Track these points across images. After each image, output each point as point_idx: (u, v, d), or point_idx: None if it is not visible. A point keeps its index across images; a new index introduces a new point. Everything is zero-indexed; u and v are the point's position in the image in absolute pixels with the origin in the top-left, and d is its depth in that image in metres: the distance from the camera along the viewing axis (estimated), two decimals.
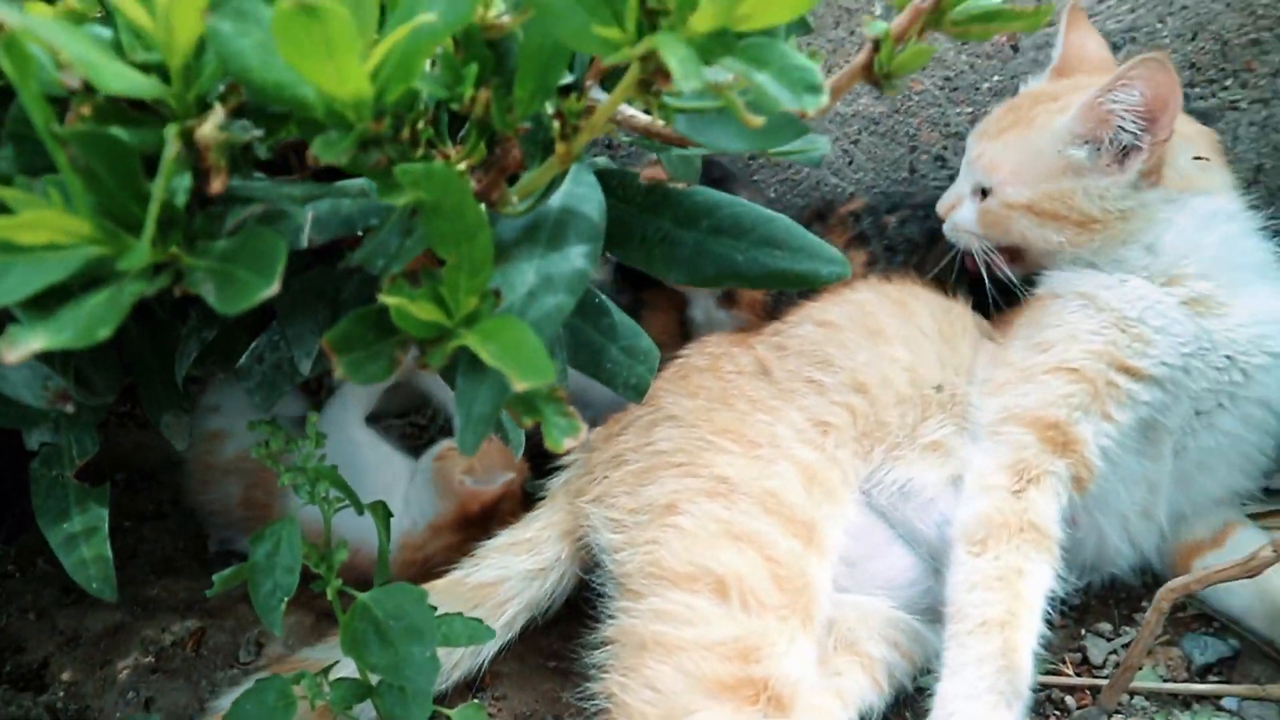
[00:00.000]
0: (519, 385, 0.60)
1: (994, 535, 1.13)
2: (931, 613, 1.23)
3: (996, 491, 1.17)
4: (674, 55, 0.53)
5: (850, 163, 1.61)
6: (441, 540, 1.34)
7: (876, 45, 0.69)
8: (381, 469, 1.40)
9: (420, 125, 0.67)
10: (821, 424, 1.22)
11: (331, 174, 0.74)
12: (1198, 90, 1.54)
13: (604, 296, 0.96)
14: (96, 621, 1.33)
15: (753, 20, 0.59)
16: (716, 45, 0.59)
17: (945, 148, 1.60)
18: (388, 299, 0.65)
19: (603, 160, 1.00)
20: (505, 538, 1.25)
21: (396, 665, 0.89)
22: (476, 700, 1.19)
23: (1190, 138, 1.32)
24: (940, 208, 1.40)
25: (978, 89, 1.56)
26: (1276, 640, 1.24)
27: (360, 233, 0.80)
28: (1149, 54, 1.17)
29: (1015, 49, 1.55)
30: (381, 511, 0.98)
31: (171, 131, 0.55)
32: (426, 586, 1.16)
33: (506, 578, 1.21)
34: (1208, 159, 1.31)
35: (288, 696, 0.94)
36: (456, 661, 1.16)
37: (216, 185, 0.61)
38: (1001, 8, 0.70)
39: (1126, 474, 1.25)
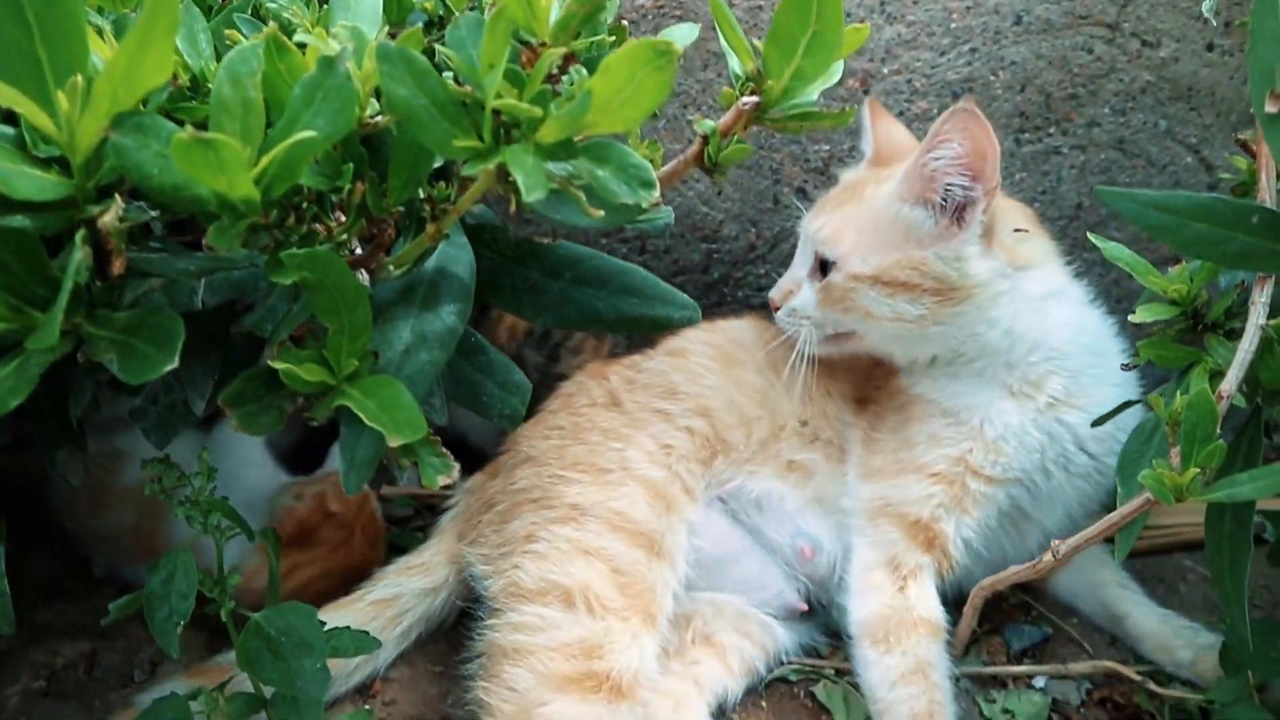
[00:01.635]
0: (393, 441, 0.69)
1: (893, 633, 1.24)
2: (784, 611, 1.39)
3: (883, 590, 1.29)
4: (520, 170, 0.63)
5: (719, 193, 1.74)
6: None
7: (706, 140, 0.81)
8: (243, 468, 1.47)
9: (305, 206, 0.76)
10: (666, 446, 1.35)
11: None
12: (1026, 136, 1.72)
13: (480, 336, 1.05)
14: None
15: (595, 128, 0.70)
16: (562, 151, 0.69)
17: (806, 181, 1.74)
18: (277, 364, 0.73)
19: (480, 209, 1.09)
20: (401, 562, 1.39)
21: (289, 678, 0.97)
22: (367, 707, 1.27)
23: (1004, 211, 1.32)
24: (775, 295, 1.38)
25: (834, 130, 1.71)
26: (1095, 616, 1.44)
27: (250, 295, 0.88)
28: (958, 105, 1.18)
29: (866, 91, 1.70)
30: (272, 537, 1.06)
31: (79, 236, 0.62)
32: (329, 606, 1.29)
33: (402, 594, 1.34)
34: (1026, 229, 1.33)
35: (184, 713, 1.01)
36: (356, 666, 1.29)
37: (118, 266, 0.68)
38: (813, 110, 0.82)
39: (989, 548, 1.34)
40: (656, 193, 0.72)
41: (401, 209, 0.78)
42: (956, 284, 1.25)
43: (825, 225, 1.32)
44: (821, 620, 1.44)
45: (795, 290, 1.35)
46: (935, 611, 1.28)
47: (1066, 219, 1.76)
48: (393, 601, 1.32)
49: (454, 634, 1.43)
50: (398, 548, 1.48)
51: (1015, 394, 1.29)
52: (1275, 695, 1.18)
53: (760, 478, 1.40)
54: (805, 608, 1.40)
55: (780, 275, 1.45)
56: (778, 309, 1.36)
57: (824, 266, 1.31)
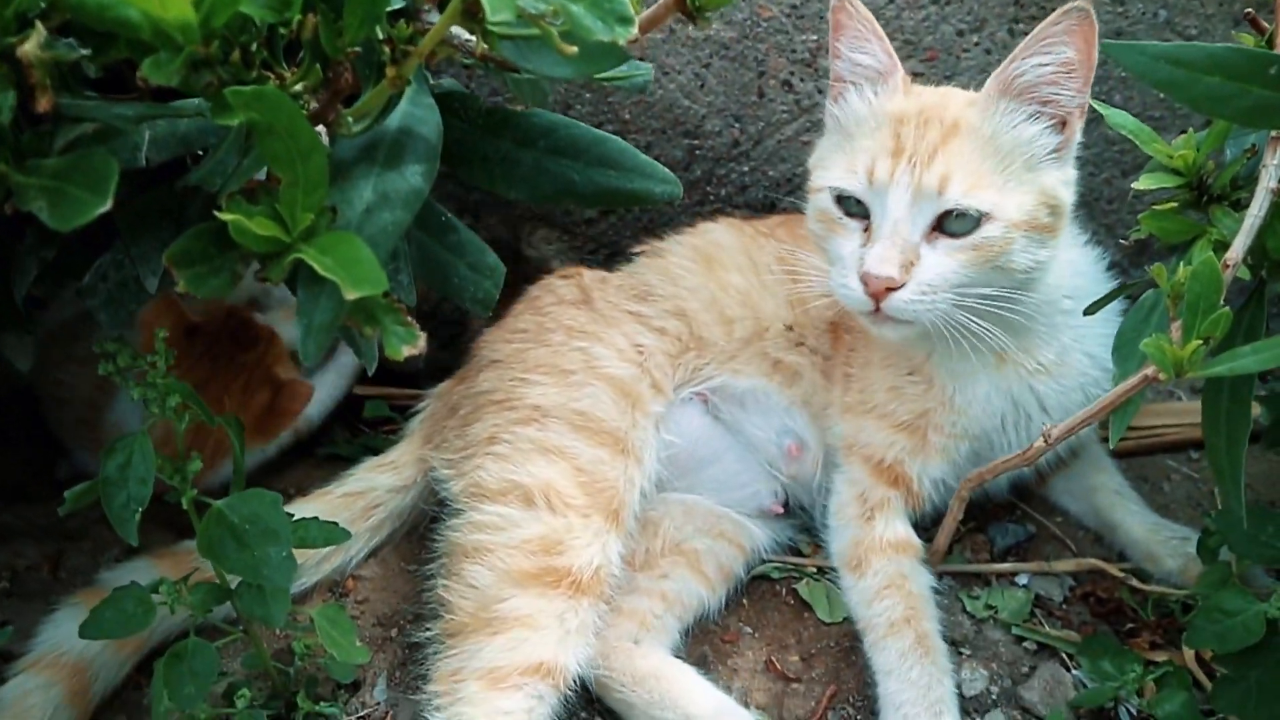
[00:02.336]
0: (350, 294, 0.64)
1: (865, 558, 1.26)
2: (758, 512, 1.38)
3: (853, 522, 1.30)
4: None
5: (702, 85, 1.67)
6: None
7: None
8: None
9: (254, 48, 0.70)
10: (638, 345, 1.32)
11: (170, 95, 0.76)
12: (1021, 26, 1.64)
13: (450, 214, 1.00)
14: None
15: None
16: None
17: (792, 73, 1.67)
18: (226, 216, 0.68)
19: (449, 82, 1.03)
20: (372, 461, 1.37)
21: (254, 566, 0.93)
22: (340, 604, 1.24)
23: None
24: (890, 271, 1.06)
25: (822, 17, 1.63)
26: (1084, 518, 1.43)
27: (200, 152, 0.82)
28: (1072, 4, 1.04)
29: None
30: (234, 422, 1.01)
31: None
32: (299, 500, 1.27)
33: (372, 488, 1.33)
34: None
35: (145, 603, 0.98)
36: (326, 556, 1.28)
37: (43, 104, 0.62)
38: None
39: (959, 478, 1.31)
40: (635, 30, 0.67)
41: (359, 50, 0.71)
42: (1063, 214, 1.12)
43: (950, 173, 1.07)
44: (801, 521, 1.43)
45: (916, 261, 1.08)
46: (903, 534, 1.29)
47: None
48: (363, 495, 1.31)
49: (429, 535, 1.40)
50: (372, 449, 1.45)
51: (1003, 363, 1.23)
52: (1256, 585, 1.17)
53: (745, 375, 1.37)
54: (781, 510, 1.39)
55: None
56: (894, 289, 1.07)
57: (948, 223, 1.09)
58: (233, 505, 0.95)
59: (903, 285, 1.07)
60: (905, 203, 1.09)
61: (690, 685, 1.16)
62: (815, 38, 1.65)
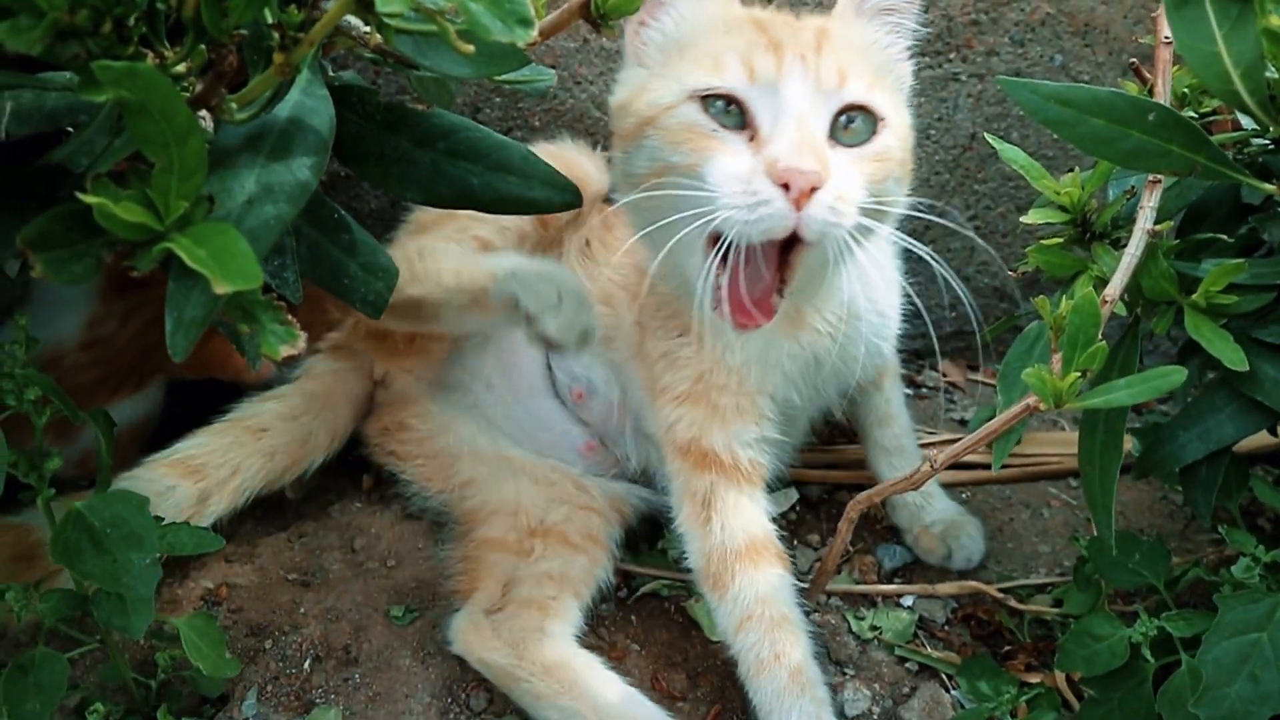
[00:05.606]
0: (222, 288, 0.61)
1: (717, 575, 1.17)
2: (577, 455, 1.44)
3: (694, 526, 1.21)
4: None
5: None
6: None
7: None
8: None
9: (132, 21, 0.66)
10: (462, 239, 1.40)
11: (39, 66, 0.71)
12: (926, 60, 1.70)
13: (343, 212, 0.96)
14: None
15: None
16: None
17: None
18: (89, 199, 0.64)
19: (351, 75, 1.00)
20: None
21: (114, 574, 0.88)
22: (210, 614, 1.19)
23: None
24: (811, 164, 0.87)
25: None
26: (918, 553, 1.44)
27: (70, 129, 0.78)
28: None
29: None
30: (102, 420, 0.96)
31: None
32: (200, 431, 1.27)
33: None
34: None
35: None
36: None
37: None
38: None
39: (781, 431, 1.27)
40: (535, 32, 0.65)
41: (245, 34, 0.68)
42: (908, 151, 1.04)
43: (846, 67, 0.94)
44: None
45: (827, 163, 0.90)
46: (749, 533, 1.19)
47: (961, 147, 1.75)
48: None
49: (312, 542, 1.35)
50: None
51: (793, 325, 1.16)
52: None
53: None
54: (593, 446, 1.43)
55: None
56: (813, 190, 0.87)
57: (841, 133, 0.95)
58: (94, 507, 0.89)
59: (814, 188, 0.87)
60: (805, 95, 0.92)
61: (598, 675, 1.15)
62: None
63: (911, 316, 1.86)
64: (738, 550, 1.18)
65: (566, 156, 1.37)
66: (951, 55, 1.70)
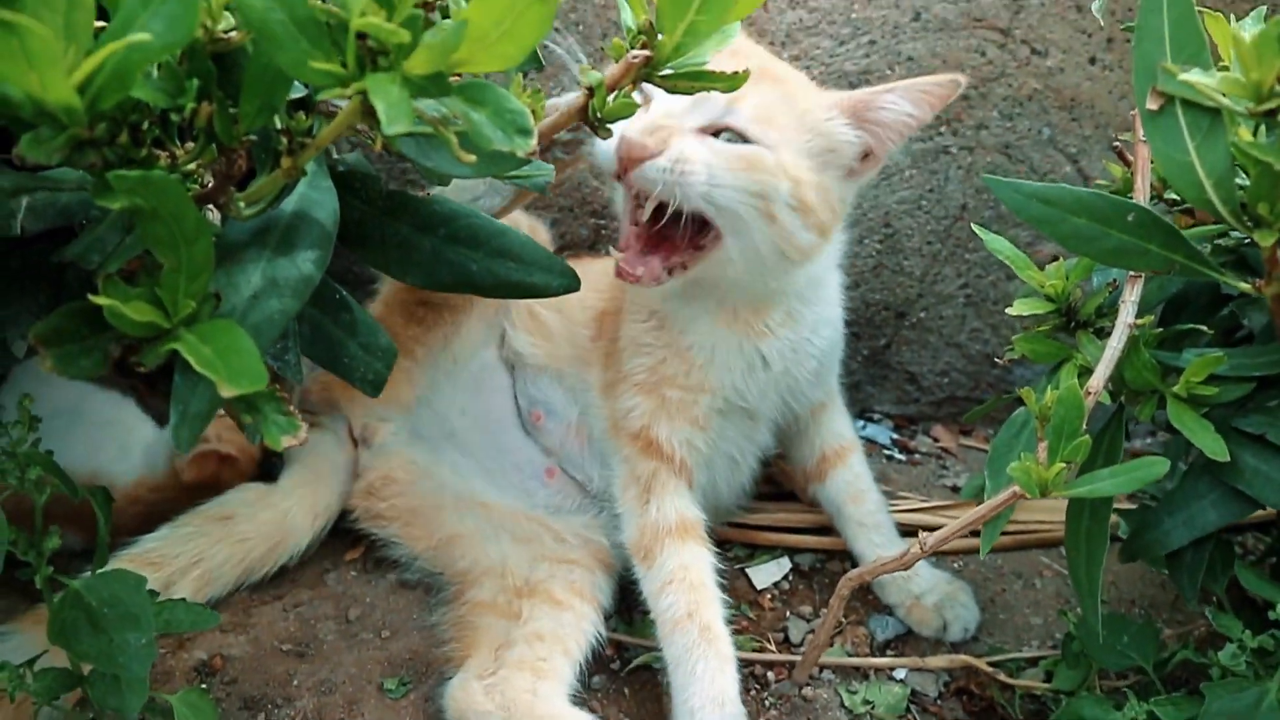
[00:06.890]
0: (227, 391, 0.63)
1: (649, 547, 1.30)
2: (540, 483, 1.50)
3: (634, 507, 1.34)
4: (382, 100, 0.58)
5: None
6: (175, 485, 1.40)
7: (591, 92, 0.77)
8: (115, 414, 1.40)
9: (145, 126, 0.68)
10: None
11: None
12: (919, 133, 1.73)
13: (345, 292, 0.99)
14: None
15: (471, 64, 0.65)
16: (433, 86, 0.64)
17: None
18: (100, 300, 0.66)
19: (354, 158, 1.02)
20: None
21: (109, 653, 0.88)
22: (204, 686, 1.19)
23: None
24: (634, 143, 1.06)
25: None
26: (911, 625, 1.46)
27: (84, 222, 0.80)
28: (953, 77, 1.13)
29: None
30: (101, 496, 0.97)
31: None
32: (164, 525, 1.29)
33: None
34: None
35: None
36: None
37: None
38: (704, 70, 0.79)
39: (725, 445, 1.39)
40: (534, 142, 0.68)
41: (254, 139, 0.71)
42: (832, 222, 1.21)
43: (747, 97, 1.10)
44: None
45: (678, 139, 1.09)
46: (683, 515, 1.32)
47: (951, 218, 1.79)
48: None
49: (307, 611, 1.36)
50: None
51: (735, 320, 1.29)
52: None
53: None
54: (552, 473, 1.48)
55: None
56: (645, 159, 1.07)
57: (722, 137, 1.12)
58: (91, 586, 0.90)
59: (656, 155, 1.06)
60: (684, 99, 1.09)
61: None
62: None
63: (904, 381, 1.88)
64: (669, 527, 1.30)
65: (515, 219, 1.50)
66: (942, 129, 1.74)
